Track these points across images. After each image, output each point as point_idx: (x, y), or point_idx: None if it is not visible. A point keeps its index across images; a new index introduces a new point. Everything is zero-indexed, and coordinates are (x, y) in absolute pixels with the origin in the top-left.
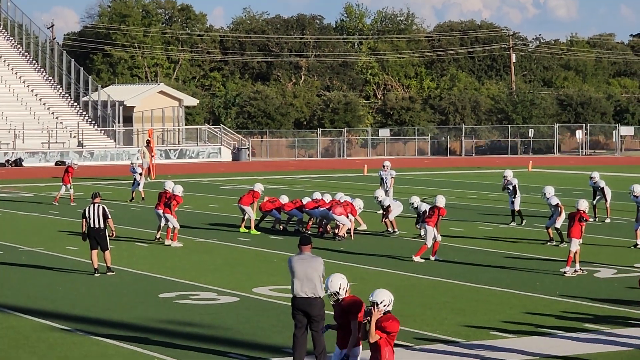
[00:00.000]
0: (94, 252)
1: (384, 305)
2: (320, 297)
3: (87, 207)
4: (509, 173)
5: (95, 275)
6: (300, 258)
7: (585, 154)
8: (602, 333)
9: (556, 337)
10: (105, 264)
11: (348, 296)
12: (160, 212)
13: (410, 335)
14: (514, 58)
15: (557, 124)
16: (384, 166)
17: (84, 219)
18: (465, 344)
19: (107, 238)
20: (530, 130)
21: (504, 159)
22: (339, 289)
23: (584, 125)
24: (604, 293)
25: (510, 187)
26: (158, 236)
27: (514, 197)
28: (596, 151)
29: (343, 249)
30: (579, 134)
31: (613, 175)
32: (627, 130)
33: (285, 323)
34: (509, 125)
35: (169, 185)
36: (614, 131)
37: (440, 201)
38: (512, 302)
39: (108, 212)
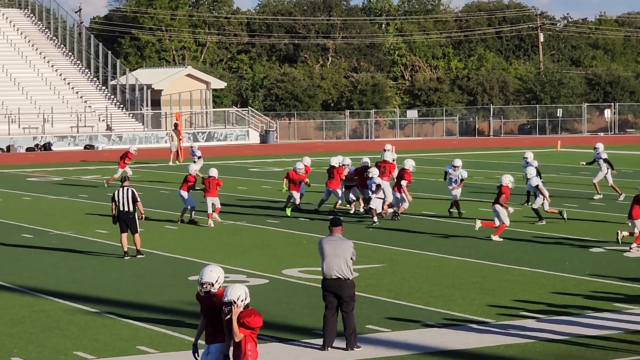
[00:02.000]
0: (124, 235)
1: (242, 300)
2: (349, 278)
3: (117, 191)
4: (529, 155)
5: (125, 258)
6: (330, 239)
7: (614, 133)
8: (633, 313)
9: (586, 317)
10: (135, 247)
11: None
12: (184, 193)
13: (440, 315)
14: (541, 38)
15: (586, 104)
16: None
17: (114, 203)
18: (495, 324)
19: (137, 221)
20: (558, 110)
21: (532, 138)
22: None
23: (612, 104)
24: (634, 272)
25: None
26: (190, 218)
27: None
28: (625, 130)
29: (371, 229)
30: (607, 113)
31: None
32: None
33: (315, 305)
34: (537, 105)
35: (214, 172)
36: None
37: (504, 180)
38: (542, 282)
39: (137, 195)
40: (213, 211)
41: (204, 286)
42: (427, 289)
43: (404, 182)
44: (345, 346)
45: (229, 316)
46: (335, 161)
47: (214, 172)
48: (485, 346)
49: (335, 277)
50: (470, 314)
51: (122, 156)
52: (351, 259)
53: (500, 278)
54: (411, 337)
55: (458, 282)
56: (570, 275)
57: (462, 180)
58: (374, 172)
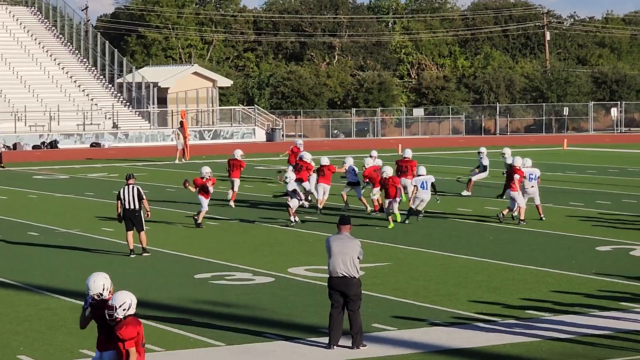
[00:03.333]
0: (130, 233)
1: (124, 310)
2: (356, 277)
3: (122, 189)
4: (506, 151)
5: (131, 256)
6: (337, 237)
7: (620, 132)
8: (639, 312)
9: (592, 315)
10: (140, 245)
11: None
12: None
13: (446, 314)
14: (548, 36)
15: (592, 102)
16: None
17: (119, 201)
18: (501, 323)
19: (143, 219)
20: (564, 108)
21: (538, 137)
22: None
23: (619, 102)
24: (639, 271)
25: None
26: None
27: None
28: (631, 129)
29: (378, 227)
30: (613, 111)
31: None
32: None
33: (321, 303)
34: (544, 104)
35: (238, 153)
36: None
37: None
38: (547, 281)
39: (143, 193)
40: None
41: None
42: (433, 288)
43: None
44: (351, 344)
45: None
46: (325, 160)
47: (238, 153)
48: (491, 345)
49: (341, 275)
50: (476, 313)
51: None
52: (358, 257)
53: (506, 276)
54: (417, 336)
55: (464, 280)
56: (576, 274)
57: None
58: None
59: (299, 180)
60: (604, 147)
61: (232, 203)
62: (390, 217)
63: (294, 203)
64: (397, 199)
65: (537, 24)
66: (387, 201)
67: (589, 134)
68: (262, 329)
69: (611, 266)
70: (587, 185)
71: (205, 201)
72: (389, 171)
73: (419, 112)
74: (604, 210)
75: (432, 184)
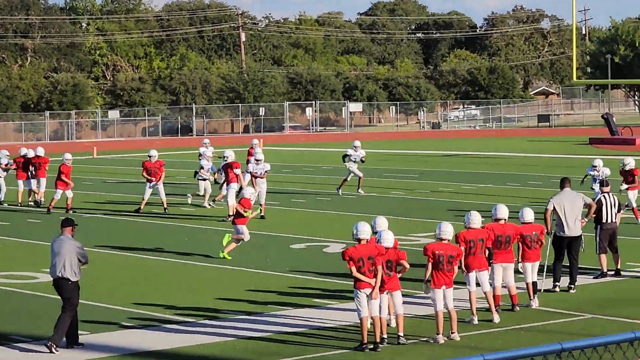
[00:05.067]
0: None
1: None
2: (71, 279)
3: None
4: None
5: None
6: (58, 239)
7: (315, 131)
8: (332, 308)
9: (285, 313)
10: None
11: None
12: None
13: (140, 316)
14: (243, 37)
15: (288, 102)
16: (354, 146)
17: None
18: (196, 324)
19: None
20: (261, 108)
21: (235, 137)
22: None
23: (313, 102)
24: (333, 267)
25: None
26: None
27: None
28: (326, 128)
29: None
30: (309, 111)
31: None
32: (356, 107)
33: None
34: (240, 104)
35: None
36: (344, 108)
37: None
38: (243, 280)
39: None
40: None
41: None
42: (126, 290)
43: None
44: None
45: None
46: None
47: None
48: (186, 346)
49: (60, 276)
50: (171, 314)
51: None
52: (80, 260)
53: (202, 276)
54: (112, 339)
55: (158, 282)
56: (271, 273)
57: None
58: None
59: None
60: (299, 146)
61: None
62: None
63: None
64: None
65: (232, 25)
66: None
67: (285, 134)
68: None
69: (305, 264)
70: (283, 185)
71: None
72: None
73: (114, 114)
74: (300, 208)
75: None
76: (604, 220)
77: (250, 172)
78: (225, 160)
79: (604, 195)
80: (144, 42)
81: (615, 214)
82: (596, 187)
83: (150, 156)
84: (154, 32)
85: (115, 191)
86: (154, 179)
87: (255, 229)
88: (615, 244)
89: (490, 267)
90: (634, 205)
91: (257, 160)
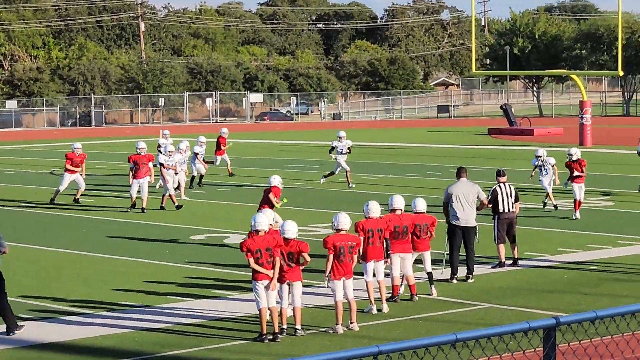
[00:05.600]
0: None
1: None
2: None
3: None
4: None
5: None
6: None
7: (216, 122)
8: (230, 299)
9: (184, 304)
10: None
11: None
12: None
13: (38, 308)
14: (142, 27)
15: (187, 92)
16: (339, 137)
17: None
18: (94, 315)
19: None
20: (160, 99)
21: (135, 128)
22: None
23: (214, 93)
24: (234, 259)
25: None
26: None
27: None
28: (227, 119)
29: None
30: (209, 102)
31: (244, 141)
32: (256, 98)
33: None
34: (140, 95)
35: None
36: (244, 98)
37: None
38: (141, 271)
39: None
40: None
41: None
42: (23, 282)
43: None
44: None
45: None
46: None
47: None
48: (84, 337)
49: None
50: (69, 306)
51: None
52: None
53: (99, 268)
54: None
55: (56, 274)
56: (170, 264)
57: None
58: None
59: None
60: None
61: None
62: None
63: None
64: None
65: (132, 14)
66: None
67: (185, 124)
68: None
69: (204, 255)
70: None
71: None
72: None
73: (12, 104)
74: (200, 199)
75: None
76: (500, 210)
77: (162, 164)
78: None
79: (499, 185)
80: (42, 31)
81: (513, 204)
82: (544, 179)
83: (75, 148)
84: (52, 21)
85: (12, 182)
86: (77, 169)
87: (154, 220)
88: (513, 233)
89: (388, 258)
90: (578, 198)
91: (169, 152)
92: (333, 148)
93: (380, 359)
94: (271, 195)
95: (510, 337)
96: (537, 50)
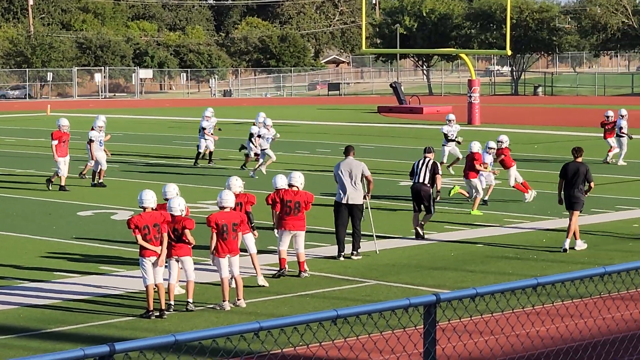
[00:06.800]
0: None
1: None
2: None
3: None
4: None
5: None
6: None
7: (105, 97)
8: (115, 275)
9: (72, 280)
10: None
11: None
12: None
13: None
14: (31, 1)
15: (76, 67)
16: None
17: None
18: None
19: None
20: (49, 73)
21: (22, 103)
22: None
23: (103, 68)
24: (120, 235)
25: None
26: None
27: None
28: (116, 94)
29: None
30: (98, 77)
31: (133, 117)
32: (146, 73)
33: None
34: (28, 69)
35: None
36: (134, 74)
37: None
38: (28, 247)
39: None
40: None
41: None
42: None
43: None
44: None
45: None
46: None
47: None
48: None
49: None
50: None
51: None
52: None
53: None
54: None
55: None
56: (56, 240)
57: None
58: None
59: None
60: (88, 112)
61: None
62: None
63: None
64: None
65: None
66: None
67: (74, 100)
68: None
69: (92, 231)
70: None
71: None
72: None
73: None
74: (88, 176)
75: None
76: (411, 180)
77: (92, 140)
78: None
79: (422, 159)
80: None
81: (425, 176)
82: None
83: (61, 125)
84: None
85: None
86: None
87: (41, 196)
88: (427, 205)
89: (279, 233)
90: (514, 183)
91: (99, 127)
92: (259, 136)
93: (262, 335)
94: None
95: (391, 314)
96: (425, 29)
